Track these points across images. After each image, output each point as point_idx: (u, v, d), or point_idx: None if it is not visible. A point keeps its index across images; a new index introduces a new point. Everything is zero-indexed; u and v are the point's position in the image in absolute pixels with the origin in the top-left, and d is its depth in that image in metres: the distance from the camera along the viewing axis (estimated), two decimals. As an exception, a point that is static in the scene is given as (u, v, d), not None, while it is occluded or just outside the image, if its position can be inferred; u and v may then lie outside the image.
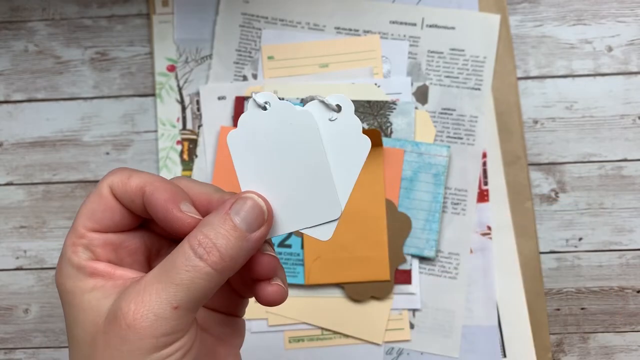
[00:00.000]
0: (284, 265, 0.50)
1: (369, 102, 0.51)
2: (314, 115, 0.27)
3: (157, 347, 0.24)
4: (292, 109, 0.27)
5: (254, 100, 0.28)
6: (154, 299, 0.24)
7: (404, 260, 0.50)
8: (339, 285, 0.50)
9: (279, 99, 0.28)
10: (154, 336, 0.23)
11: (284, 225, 0.28)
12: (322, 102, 0.27)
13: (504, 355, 0.50)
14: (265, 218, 0.26)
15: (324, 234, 0.28)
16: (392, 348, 0.50)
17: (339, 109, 0.27)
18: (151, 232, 0.28)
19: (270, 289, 0.27)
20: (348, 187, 0.28)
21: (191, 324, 0.25)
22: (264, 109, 0.28)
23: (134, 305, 0.24)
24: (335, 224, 0.28)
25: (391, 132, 0.51)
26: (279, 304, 0.28)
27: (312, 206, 0.27)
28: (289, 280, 0.50)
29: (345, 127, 0.27)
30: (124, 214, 0.27)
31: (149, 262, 0.28)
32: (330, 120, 0.27)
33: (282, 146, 0.27)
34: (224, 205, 0.26)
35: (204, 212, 0.27)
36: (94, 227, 0.26)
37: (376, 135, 0.49)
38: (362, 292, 0.50)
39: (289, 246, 0.50)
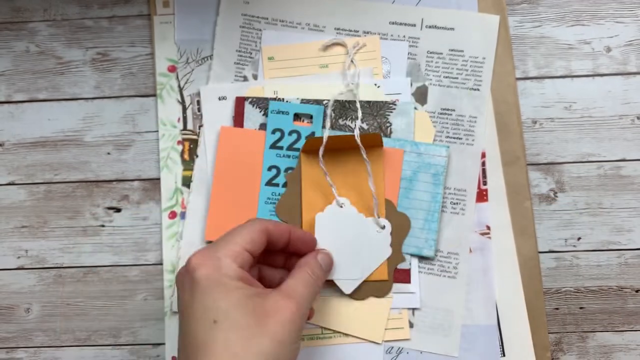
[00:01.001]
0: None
1: (368, 102, 0.52)
2: (368, 225, 0.49)
3: (295, 334, 0.37)
4: (357, 216, 0.49)
5: (337, 200, 0.49)
6: (297, 295, 0.39)
7: (402, 260, 0.50)
8: (338, 284, 0.50)
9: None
10: (298, 328, 0.38)
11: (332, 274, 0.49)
12: (376, 221, 0.49)
13: (503, 355, 0.50)
14: (332, 267, 0.47)
15: (347, 288, 0.49)
16: (392, 347, 0.51)
17: (383, 228, 0.49)
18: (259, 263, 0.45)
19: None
20: (368, 270, 0.50)
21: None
22: (341, 207, 0.49)
23: (284, 303, 0.38)
24: (356, 283, 0.49)
25: (390, 132, 0.51)
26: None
27: (349, 270, 0.49)
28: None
29: (382, 238, 0.49)
30: (263, 247, 0.41)
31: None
32: (377, 231, 0.49)
33: (345, 231, 0.49)
34: (312, 252, 0.45)
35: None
36: (250, 249, 0.40)
37: (377, 138, 0.49)
38: (360, 291, 0.50)
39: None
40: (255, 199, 0.50)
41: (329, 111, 0.50)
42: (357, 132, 0.48)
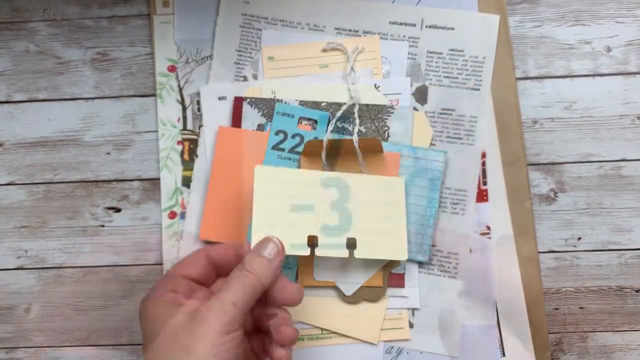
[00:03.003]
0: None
1: (367, 105, 0.51)
2: None
3: (221, 331, 0.36)
4: None
5: None
6: (220, 299, 0.38)
7: (397, 264, 0.50)
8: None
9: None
10: (220, 323, 0.36)
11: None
12: None
13: (503, 355, 0.50)
14: (279, 250, 0.43)
15: (348, 290, 0.50)
16: (392, 347, 0.51)
17: None
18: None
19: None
20: (369, 273, 0.50)
21: (242, 323, 0.38)
22: None
23: (207, 306, 0.38)
24: (357, 286, 0.50)
25: (388, 136, 0.51)
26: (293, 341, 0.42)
27: (350, 273, 0.50)
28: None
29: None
30: (207, 271, 0.43)
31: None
32: None
33: None
34: (254, 247, 0.43)
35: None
36: (185, 274, 0.42)
37: (377, 143, 0.49)
38: (355, 295, 0.50)
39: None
40: (252, 200, 0.50)
41: (334, 120, 0.51)
42: (355, 138, 0.48)
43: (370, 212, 0.48)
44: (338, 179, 0.48)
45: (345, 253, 0.47)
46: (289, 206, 0.46)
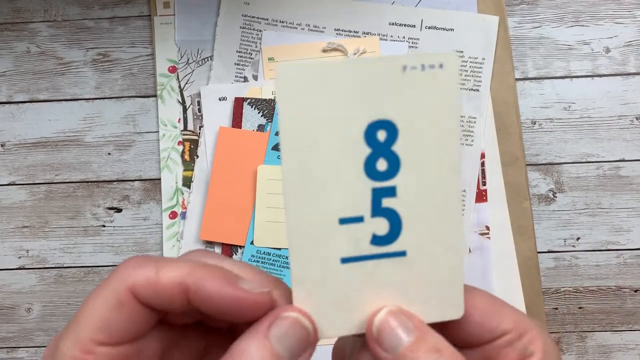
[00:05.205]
0: (271, 266, 0.50)
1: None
2: None
3: None
4: None
5: None
6: None
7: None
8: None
9: None
10: None
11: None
12: None
13: (502, 354, 0.50)
14: (310, 340, 0.22)
15: None
16: (392, 347, 0.51)
17: None
18: (165, 326, 0.24)
19: None
20: None
21: None
22: None
23: None
24: None
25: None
26: None
27: None
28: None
29: None
30: (148, 318, 0.22)
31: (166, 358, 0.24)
32: None
33: None
34: (260, 325, 0.21)
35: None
36: (105, 341, 0.21)
37: None
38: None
39: (279, 248, 0.50)
40: (252, 200, 0.51)
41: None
42: None
43: None
44: None
45: None
46: None
